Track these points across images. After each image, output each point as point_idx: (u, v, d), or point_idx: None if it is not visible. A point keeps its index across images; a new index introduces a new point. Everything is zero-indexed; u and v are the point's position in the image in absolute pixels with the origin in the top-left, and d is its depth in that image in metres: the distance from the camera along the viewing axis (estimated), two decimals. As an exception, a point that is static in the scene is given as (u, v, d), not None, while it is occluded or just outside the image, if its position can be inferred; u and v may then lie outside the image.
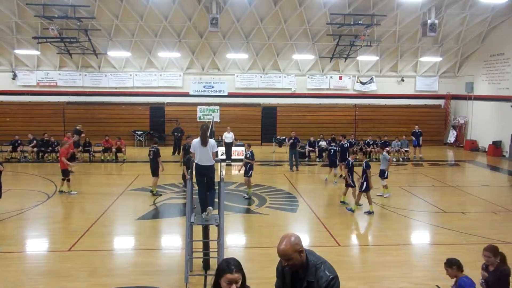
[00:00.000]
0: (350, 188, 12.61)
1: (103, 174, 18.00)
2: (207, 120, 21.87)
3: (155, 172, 13.45)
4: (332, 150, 16.12)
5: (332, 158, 16.08)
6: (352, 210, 11.87)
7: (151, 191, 13.52)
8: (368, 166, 11.66)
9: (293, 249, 3.22)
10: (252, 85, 25.27)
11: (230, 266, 3.01)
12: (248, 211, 12.06)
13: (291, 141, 18.12)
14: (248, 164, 13.23)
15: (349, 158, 12.63)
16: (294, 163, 18.12)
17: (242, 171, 13.81)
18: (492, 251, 5.45)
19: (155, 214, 11.70)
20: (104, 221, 10.95)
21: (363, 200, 12.07)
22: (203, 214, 7.56)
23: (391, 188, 13.85)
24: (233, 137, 20.32)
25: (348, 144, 17.05)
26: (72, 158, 18.56)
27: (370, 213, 11.66)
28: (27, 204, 12.19)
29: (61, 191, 13.35)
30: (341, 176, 15.51)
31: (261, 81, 25.29)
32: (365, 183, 11.63)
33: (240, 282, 3.02)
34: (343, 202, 12.71)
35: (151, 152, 13.46)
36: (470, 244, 9.46)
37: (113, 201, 12.72)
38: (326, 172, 16.49)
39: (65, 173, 13.32)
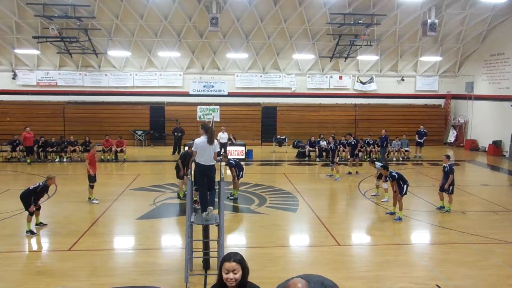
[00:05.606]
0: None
1: (103, 174, 17.96)
2: (207, 120, 21.88)
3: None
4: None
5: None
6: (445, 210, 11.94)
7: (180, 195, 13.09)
8: (452, 170, 11.77)
9: None
10: (252, 85, 25.27)
11: (230, 256, 3.19)
12: (248, 210, 12.06)
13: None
14: (237, 166, 12.83)
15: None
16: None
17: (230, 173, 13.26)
18: None
19: (155, 214, 11.69)
20: (104, 221, 10.96)
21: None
22: (203, 213, 7.56)
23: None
24: (228, 137, 20.28)
25: (355, 141, 17.77)
26: (29, 152, 18.58)
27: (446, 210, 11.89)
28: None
29: (89, 198, 12.64)
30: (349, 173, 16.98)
31: (261, 81, 25.29)
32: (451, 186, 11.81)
33: (239, 274, 3.13)
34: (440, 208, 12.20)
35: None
36: (470, 243, 9.47)
37: (113, 201, 12.72)
38: (326, 172, 16.61)
39: (90, 179, 12.58)
